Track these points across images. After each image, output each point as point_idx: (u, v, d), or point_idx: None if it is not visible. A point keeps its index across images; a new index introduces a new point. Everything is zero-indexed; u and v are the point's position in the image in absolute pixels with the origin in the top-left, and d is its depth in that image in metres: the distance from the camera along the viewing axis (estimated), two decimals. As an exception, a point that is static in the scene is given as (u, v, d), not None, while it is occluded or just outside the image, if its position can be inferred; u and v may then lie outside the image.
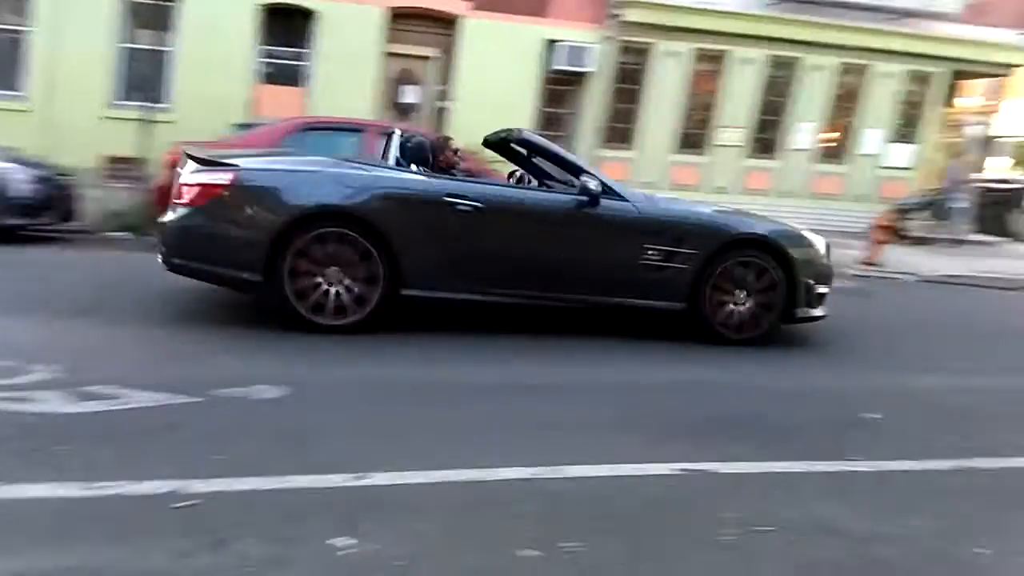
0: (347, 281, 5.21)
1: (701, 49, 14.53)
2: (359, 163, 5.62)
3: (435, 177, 5.54)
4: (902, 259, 11.93)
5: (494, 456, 3.51)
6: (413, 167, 5.57)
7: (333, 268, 5.19)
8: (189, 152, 5.37)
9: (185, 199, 5.15)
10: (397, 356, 5.08)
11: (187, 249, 5.22)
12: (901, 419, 4.61)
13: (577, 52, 14.09)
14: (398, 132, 6.07)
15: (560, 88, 14.70)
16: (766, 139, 15.26)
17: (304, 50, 13.67)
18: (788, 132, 15.21)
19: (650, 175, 14.64)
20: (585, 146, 14.48)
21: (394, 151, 5.78)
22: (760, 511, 3.21)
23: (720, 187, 15.04)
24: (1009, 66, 15.86)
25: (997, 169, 24.33)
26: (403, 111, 14.58)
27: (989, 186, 16.66)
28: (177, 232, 5.24)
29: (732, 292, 5.87)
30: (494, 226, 5.49)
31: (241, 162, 5.27)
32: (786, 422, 4.42)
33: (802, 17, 14.31)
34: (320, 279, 5.19)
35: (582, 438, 3.90)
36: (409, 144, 5.82)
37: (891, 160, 15.57)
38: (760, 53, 14.70)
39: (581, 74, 14.34)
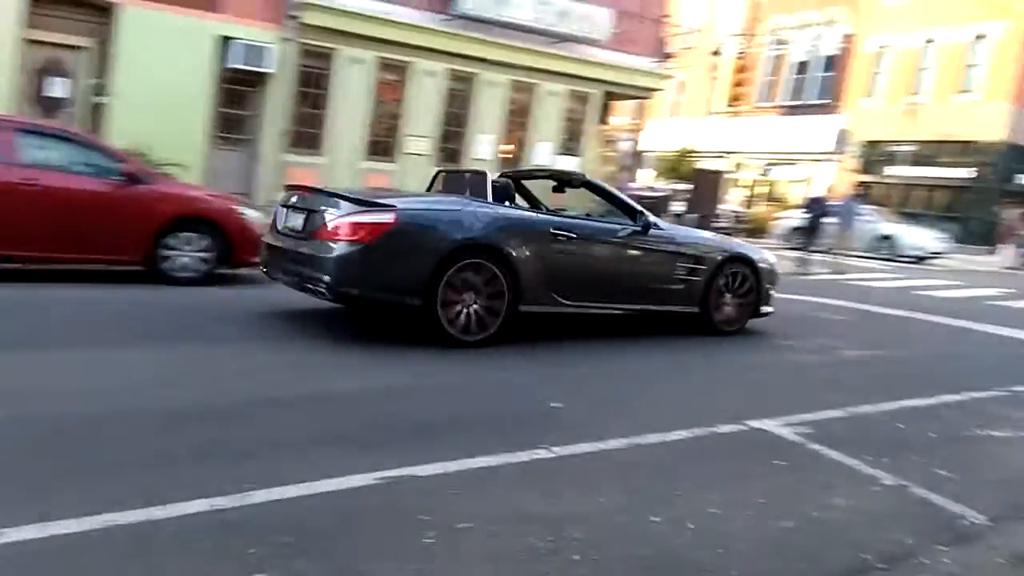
0: (481, 303, 6.07)
1: (384, 58, 14.67)
2: (485, 202, 6.40)
3: (537, 213, 6.92)
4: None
5: (170, 490, 3.09)
6: (506, 203, 6.57)
7: (469, 292, 6.02)
8: (342, 193, 6.18)
9: (350, 236, 5.74)
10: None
11: (356, 280, 5.80)
12: (579, 406, 4.96)
13: (255, 51, 13.40)
14: (489, 174, 6.82)
15: (239, 88, 13.87)
16: (452, 149, 15.86)
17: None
18: (471, 143, 15.95)
19: (341, 181, 14.40)
20: (270, 150, 13.82)
21: (490, 190, 6.54)
22: (461, 508, 3.22)
23: (410, 194, 15.31)
24: (650, 90, 18.26)
25: (645, 179, 28.02)
26: (50, 106, 12.71)
27: (640, 194, 19.02)
28: (345, 265, 5.75)
29: (725, 297, 7.48)
30: (581, 251, 6.64)
31: (397, 203, 6.02)
32: (481, 418, 4.53)
33: (475, 35, 15.09)
34: (461, 302, 5.99)
35: (271, 458, 3.61)
36: (497, 184, 6.66)
37: (560, 170, 17.06)
38: (440, 66, 15.22)
39: (261, 75, 13.67)
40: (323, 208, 6.00)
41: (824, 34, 33.64)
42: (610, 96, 17.78)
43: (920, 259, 22.01)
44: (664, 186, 24.48)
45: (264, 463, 3.53)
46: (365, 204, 5.90)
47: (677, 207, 20.84)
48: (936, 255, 22.25)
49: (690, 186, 21.36)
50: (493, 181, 6.66)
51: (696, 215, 19.88)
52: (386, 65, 14.75)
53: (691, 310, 7.33)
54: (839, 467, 4.13)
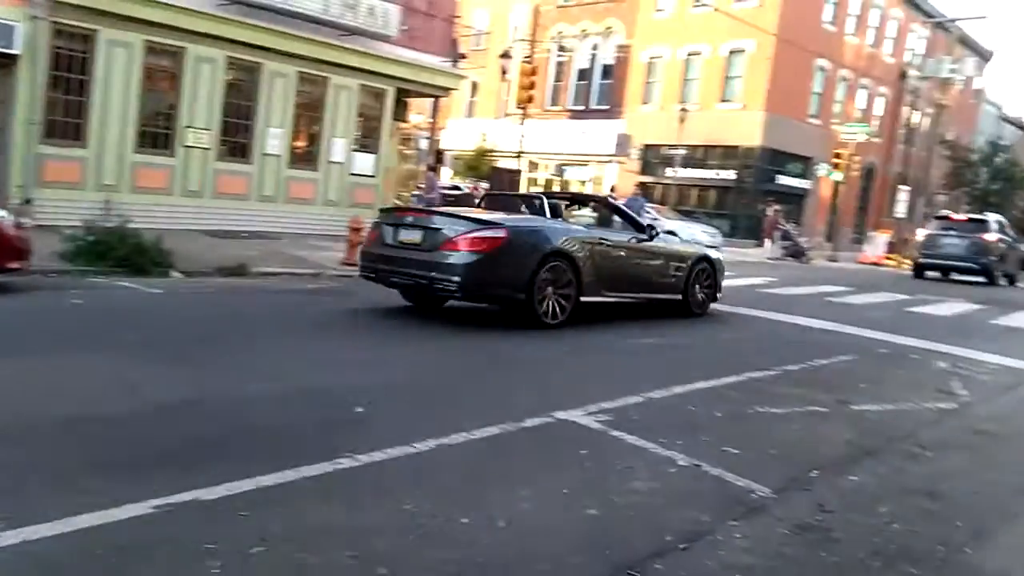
0: (559, 294, 7.74)
1: (153, 42, 13.36)
2: (555, 220, 8.39)
3: (588, 227, 9.08)
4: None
5: None
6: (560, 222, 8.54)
7: (550, 288, 7.67)
8: (458, 213, 8.02)
9: (474, 247, 7.29)
10: None
11: (479, 281, 7.37)
12: (384, 409, 4.73)
13: (-2, 29, 11.70)
14: (545, 198, 8.87)
15: (-22, 71, 12.04)
16: (238, 142, 14.83)
17: None
18: (259, 137, 15.03)
19: (110, 176, 13.02)
20: (21, 141, 12.15)
21: (548, 209, 8.58)
22: (252, 532, 2.90)
23: (192, 191, 14.15)
24: (444, 88, 18.25)
25: (448, 178, 28.13)
26: None
27: (446, 192, 19.02)
28: (471, 270, 7.27)
29: (697, 287, 9.63)
30: (616, 255, 8.59)
31: (505, 222, 7.67)
32: (274, 430, 4.16)
33: (257, 22, 14.20)
34: (546, 296, 7.63)
35: (30, 491, 3.05)
36: (552, 202, 8.82)
37: (357, 168, 16.58)
38: (220, 54, 14.18)
39: (6, 56, 11.97)
40: (442, 226, 7.56)
41: (602, 44, 35.69)
42: (404, 93, 17.55)
43: (697, 253, 23.86)
44: (467, 184, 24.72)
45: (13, 499, 2.97)
46: (482, 223, 7.62)
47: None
48: (711, 248, 24.26)
49: (488, 185, 21.70)
50: (549, 202, 8.79)
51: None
52: (156, 50, 13.44)
53: (677, 297, 9.46)
54: (638, 451, 4.24)
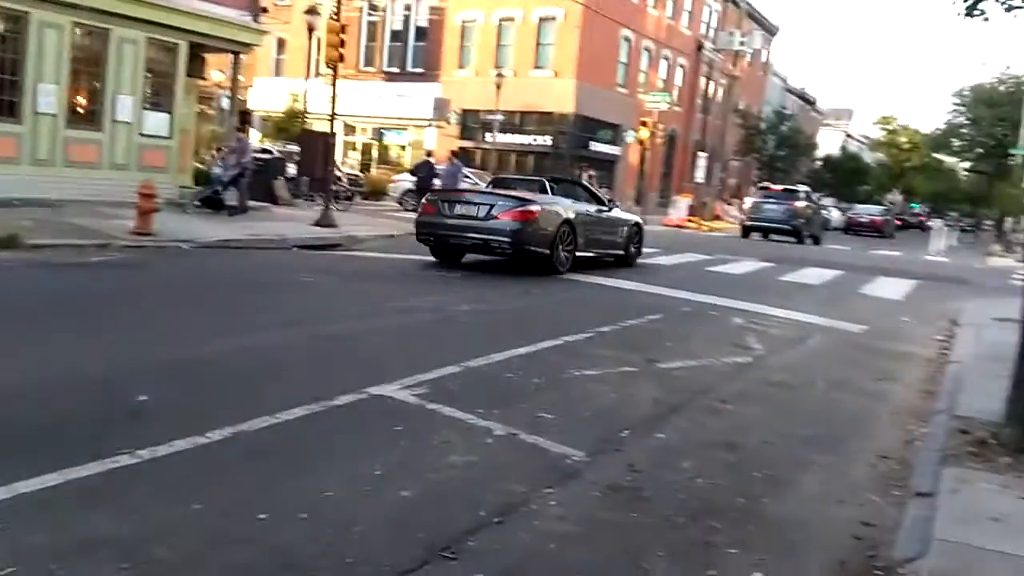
0: (565, 252, 10.76)
1: None
2: (572, 199, 11.81)
3: (582, 203, 11.94)
4: (181, 227, 11.72)
5: None
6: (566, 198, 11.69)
7: (560, 246, 10.65)
8: (507, 194, 10.97)
9: (520, 218, 10.21)
10: None
11: (523, 241, 10.24)
12: (174, 396, 4.28)
13: None
14: (547, 181, 11.97)
15: None
16: (3, 100, 13.01)
17: None
18: (29, 93, 13.26)
19: None
20: None
21: (550, 189, 11.61)
22: (2, 547, 2.46)
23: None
24: (245, 44, 17.01)
25: (256, 141, 26.44)
26: None
27: (257, 156, 17.78)
28: (519, 233, 10.18)
29: (632, 246, 12.75)
30: (592, 222, 11.64)
31: (537, 199, 10.76)
32: (36, 428, 3.61)
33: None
34: (558, 251, 10.63)
35: None
36: (558, 185, 12.12)
37: (148, 128, 15.11)
38: (-21, -1, 12.30)
39: None
40: (493, 202, 10.45)
41: (414, 5, 34.97)
42: (200, 48, 16.17)
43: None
44: (279, 148, 23.37)
45: None
46: (522, 200, 10.52)
47: (292, 170, 20.03)
48: (634, 215, 24.76)
49: (299, 148, 20.64)
50: (552, 183, 11.83)
51: (307, 178, 19.32)
52: None
53: (621, 253, 12.50)
54: (455, 424, 4.12)
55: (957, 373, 6.03)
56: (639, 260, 12.99)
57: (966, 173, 66.30)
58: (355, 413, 4.19)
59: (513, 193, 11.04)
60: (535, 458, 3.77)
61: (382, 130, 35.71)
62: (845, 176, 56.61)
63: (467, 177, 21.07)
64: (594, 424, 4.36)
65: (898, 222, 50.71)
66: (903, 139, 71.06)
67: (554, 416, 4.38)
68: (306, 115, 25.38)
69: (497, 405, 4.46)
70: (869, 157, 70.58)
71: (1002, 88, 49.29)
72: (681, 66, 39.70)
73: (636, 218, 13.66)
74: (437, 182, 17.76)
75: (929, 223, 46.44)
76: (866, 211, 42.79)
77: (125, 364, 4.80)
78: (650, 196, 34.60)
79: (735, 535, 3.15)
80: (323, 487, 3.21)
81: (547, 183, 11.72)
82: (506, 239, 10.19)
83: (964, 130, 53.69)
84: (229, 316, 6.69)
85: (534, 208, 10.37)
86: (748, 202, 26.61)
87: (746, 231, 25.39)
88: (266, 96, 35.08)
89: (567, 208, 11.08)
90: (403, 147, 35.27)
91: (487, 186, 12.57)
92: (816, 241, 25.27)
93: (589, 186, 13.79)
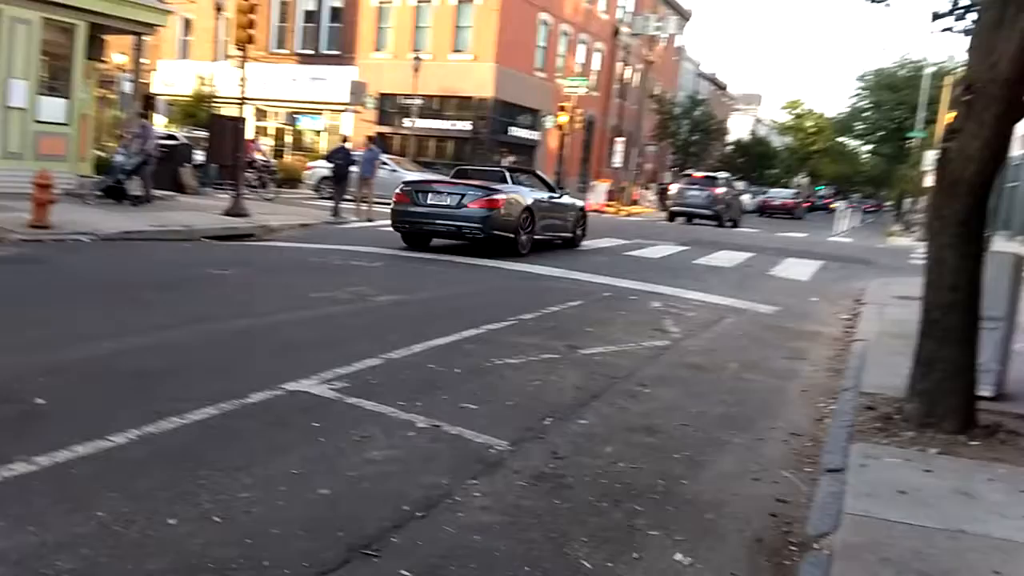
0: (525, 236, 11.98)
1: None
2: (529, 187, 13.03)
3: (537, 191, 13.10)
4: (81, 219, 11.10)
5: None
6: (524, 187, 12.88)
7: (522, 230, 11.89)
8: (475, 184, 11.87)
9: (488, 206, 11.27)
10: None
11: (493, 226, 11.29)
12: (74, 398, 4.05)
13: None
14: (507, 171, 13.53)
15: None
16: None
17: None
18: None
19: None
20: None
21: (510, 178, 12.82)
22: None
23: None
24: (148, 25, 16.24)
25: (161, 126, 25.35)
26: None
27: (162, 142, 16.99)
28: (488, 219, 11.24)
29: (576, 229, 13.94)
30: (546, 208, 12.82)
31: (501, 188, 11.80)
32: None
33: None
34: (521, 235, 11.86)
35: None
36: (516, 175, 13.52)
37: (44, 115, 14.26)
38: None
39: None
40: (463, 192, 11.48)
41: (328, -16, 34.12)
42: (100, 29, 15.33)
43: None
44: (186, 134, 22.44)
45: None
46: (489, 190, 11.48)
47: (200, 157, 19.26)
48: (579, 201, 24.69)
49: (208, 134, 19.86)
50: (510, 173, 13.13)
51: (216, 165, 18.63)
52: None
53: (569, 235, 13.66)
54: (376, 418, 4.04)
55: (862, 351, 6.29)
56: (583, 242, 14.20)
57: (868, 156, 69.41)
58: (270, 410, 4.06)
59: (481, 183, 11.90)
60: (458, 449, 3.74)
61: (296, 115, 34.80)
62: (755, 160, 58.46)
63: (385, 163, 20.75)
64: (517, 413, 4.36)
65: (807, 204, 53.20)
66: (809, 123, 73.87)
67: (477, 406, 4.36)
68: (214, 99, 24.45)
69: (419, 397, 4.41)
70: (777, 141, 73.07)
71: (901, 73, 51.67)
72: (598, 51, 40.08)
73: (581, 203, 15.07)
74: (355, 169, 17.40)
75: (834, 205, 48.59)
76: (779, 194, 45.98)
77: (19, 365, 4.51)
78: (569, 181, 34.88)
79: (657, 517, 3.20)
80: (237, 489, 3.10)
81: (507, 173, 12.93)
82: (477, 225, 11.30)
83: (866, 114, 56.09)
84: (132, 312, 6.37)
85: (500, 197, 11.49)
86: (674, 189, 28.63)
87: (672, 216, 27.12)
88: (172, 79, 33.66)
89: (526, 196, 12.26)
90: (318, 132, 34.45)
91: (452, 175, 13.30)
92: (735, 224, 26.88)
93: (541, 175, 15.02)
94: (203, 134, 20.40)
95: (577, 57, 38.00)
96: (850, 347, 6.70)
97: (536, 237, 12.22)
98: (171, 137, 20.43)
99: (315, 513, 2.98)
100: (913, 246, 23.58)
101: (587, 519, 3.13)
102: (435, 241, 12.09)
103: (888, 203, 65.32)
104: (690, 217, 26.35)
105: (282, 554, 2.65)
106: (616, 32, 40.61)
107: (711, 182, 27.00)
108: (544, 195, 13.04)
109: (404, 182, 13.20)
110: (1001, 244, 12.60)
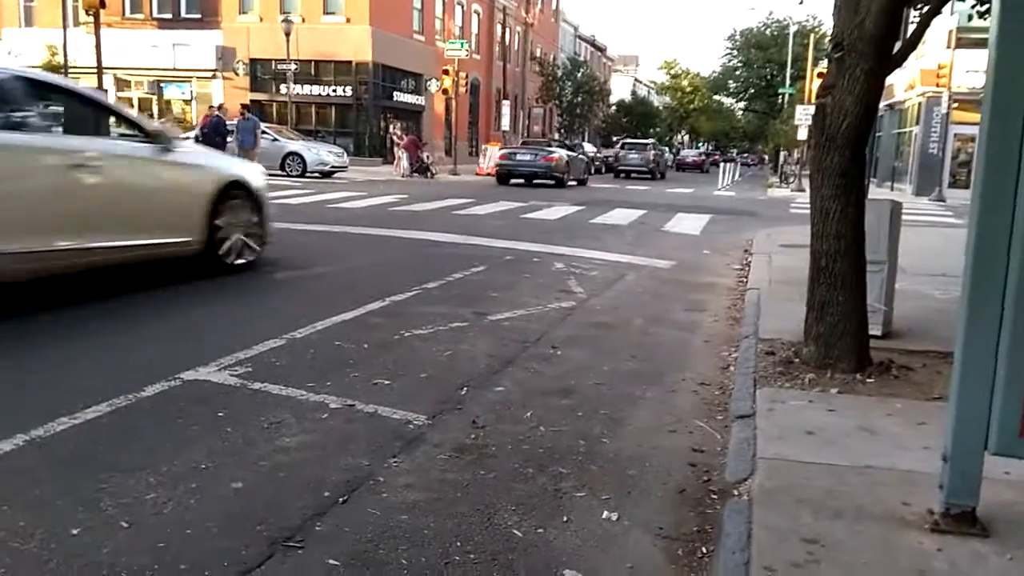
0: (569, 177, 24.95)
1: None
2: (562, 148, 26.84)
3: (567, 151, 27.21)
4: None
5: None
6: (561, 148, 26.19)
7: (567, 174, 24.68)
8: (544, 147, 25.87)
9: (555, 160, 24.31)
10: None
11: (561, 174, 24.35)
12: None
13: None
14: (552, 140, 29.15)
15: None
16: None
17: None
18: None
19: None
20: None
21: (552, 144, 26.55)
22: None
23: None
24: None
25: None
26: None
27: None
28: (557, 168, 24.21)
29: (584, 174, 27.94)
30: (574, 159, 26.73)
31: (554, 149, 25.70)
32: None
33: None
34: (566, 177, 24.63)
35: None
36: (554, 142, 28.97)
37: None
38: None
39: None
40: (538, 151, 24.80)
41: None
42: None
43: (326, 174, 23.35)
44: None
45: None
46: (551, 150, 25.21)
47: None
48: (339, 168, 23.94)
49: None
50: (552, 141, 28.11)
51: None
52: None
53: (584, 177, 26.33)
54: (285, 402, 3.86)
55: (756, 299, 6.54)
56: (356, 230, 12.64)
57: (742, 112, 72.30)
58: (168, 403, 3.80)
59: (542, 147, 24.36)
60: (376, 428, 3.62)
61: (161, 83, 32.76)
62: (638, 120, 59.81)
63: (265, 132, 19.89)
64: (432, 385, 4.27)
65: (716, 159, 58.11)
66: (685, 83, 76.01)
67: (390, 381, 4.24)
68: (68, 70, 22.66)
69: (328, 376, 4.25)
70: (657, 101, 74.91)
71: (767, 32, 53.81)
72: (476, 13, 39.66)
73: (584, 156, 26.56)
74: (231, 140, 16.55)
75: (719, 161, 51.80)
76: (690, 154, 57.55)
77: None
78: (459, 146, 34.59)
79: (581, 478, 3.21)
80: (143, 490, 2.89)
81: (551, 141, 20.59)
82: (555, 173, 23.41)
83: (738, 72, 58.28)
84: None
85: (559, 154, 24.25)
86: (618, 150, 36.65)
87: (617, 174, 34.69)
88: (18, 50, 30.95)
89: (565, 153, 24.56)
90: (187, 101, 32.62)
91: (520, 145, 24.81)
92: (663, 176, 36.31)
93: (562, 141, 22.40)
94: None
95: (455, 20, 37.46)
96: (744, 296, 6.96)
97: (570, 179, 24.12)
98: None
99: (230, 509, 2.81)
100: (791, 196, 24.81)
101: (513, 487, 3.10)
102: (334, 214, 11.69)
103: (766, 157, 68.54)
104: (628, 174, 34.35)
105: (199, 556, 2.49)
106: (494, -7, 40.25)
107: (644, 147, 35.92)
108: (573, 153, 24.65)
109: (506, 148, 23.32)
110: (871, 191, 13.42)
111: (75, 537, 2.55)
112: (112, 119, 6.65)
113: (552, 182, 24.10)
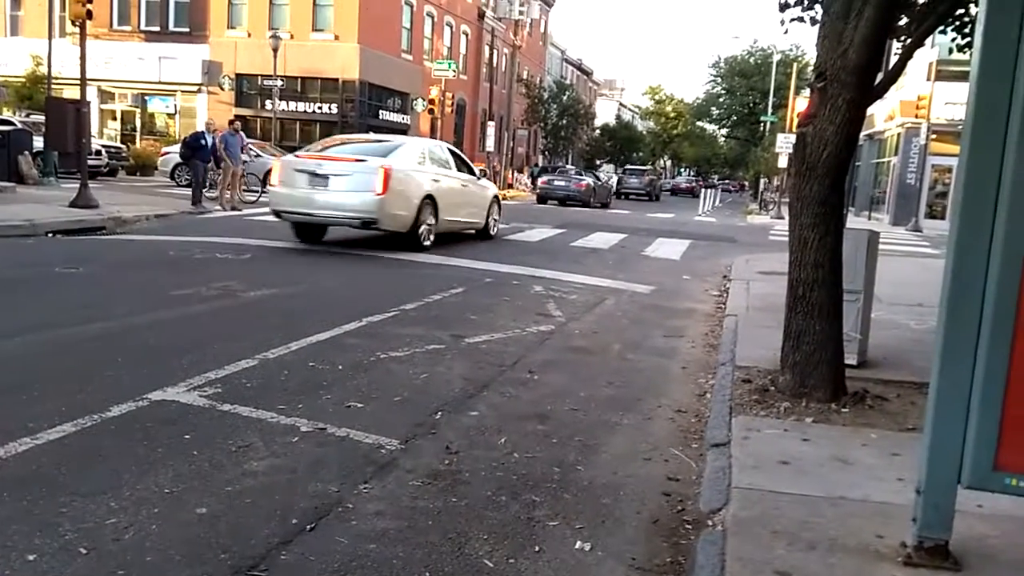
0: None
1: None
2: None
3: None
4: None
5: None
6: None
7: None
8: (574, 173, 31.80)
9: (581, 185, 28.97)
10: None
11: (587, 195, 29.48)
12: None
13: None
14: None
15: None
16: None
17: None
18: None
19: None
20: None
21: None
22: None
23: None
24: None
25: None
26: None
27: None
28: (586, 190, 29.05)
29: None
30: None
31: (585, 176, 31.26)
32: None
33: None
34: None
35: None
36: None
37: None
38: None
39: None
40: (572, 179, 30.08)
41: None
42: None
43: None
44: (22, 119, 20.46)
45: None
46: (582, 177, 30.92)
47: (39, 143, 17.62)
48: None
49: (44, 119, 18.23)
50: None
51: (58, 152, 17.14)
52: None
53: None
54: (255, 425, 3.79)
55: (733, 326, 6.55)
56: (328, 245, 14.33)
57: (724, 139, 73.10)
58: (134, 424, 3.72)
59: (573, 176, 27.97)
60: (347, 452, 3.56)
61: (145, 96, 32.58)
62: (621, 144, 60.27)
63: (250, 149, 19.81)
64: (406, 408, 4.22)
65: (701, 185, 58.69)
66: (669, 108, 76.84)
67: (364, 404, 4.19)
68: (52, 81, 22.49)
69: (300, 399, 4.18)
70: (641, 126, 75.61)
71: (751, 60, 54.55)
72: (465, 34, 39.89)
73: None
74: (224, 156, 16.38)
75: (701, 187, 52.68)
76: (682, 180, 62.59)
77: None
78: (441, 165, 34.61)
79: (555, 507, 3.17)
80: (104, 514, 2.81)
81: (581, 171, 26.03)
82: (576, 194, 27.15)
83: (721, 99, 58.98)
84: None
85: (585, 182, 28.04)
86: (613, 176, 40.65)
87: (618, 195, 36.69)
88: (3, 59, 30.72)
89: (592, 180, 29.07)
90: (171, 115, 32.44)
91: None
92: (658, 199, 40.92)
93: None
94: (42, 119, 18.71)
95: (444, 40, 37.67)
96: (722, 323, 6.97)
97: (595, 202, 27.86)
98: (6, 123, 18.61)
99: (194, 535, 2.74)
100: (771, 223, 25.00)
101: (485, 515, 3.05)
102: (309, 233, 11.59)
103: (746, 183, 69.31)
104: (627, 195, 38.26)
105: (160, 584, 2.41)
106: (481, 16, 40.53)
107: (642, 172, 41.84)
108: (600, 181, 29.48)
109: (545, 175, 25.62)
110: (849, 220, 13.56)
111: (31, 563, 2.47)
112: (467, 165, 12.87)
113: (580, 203, 28.89)
